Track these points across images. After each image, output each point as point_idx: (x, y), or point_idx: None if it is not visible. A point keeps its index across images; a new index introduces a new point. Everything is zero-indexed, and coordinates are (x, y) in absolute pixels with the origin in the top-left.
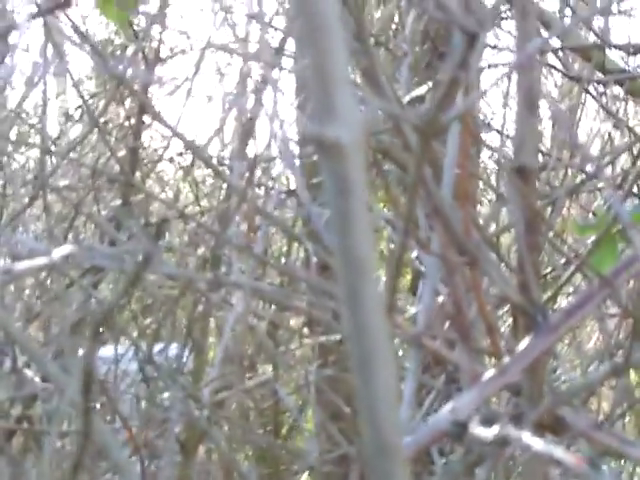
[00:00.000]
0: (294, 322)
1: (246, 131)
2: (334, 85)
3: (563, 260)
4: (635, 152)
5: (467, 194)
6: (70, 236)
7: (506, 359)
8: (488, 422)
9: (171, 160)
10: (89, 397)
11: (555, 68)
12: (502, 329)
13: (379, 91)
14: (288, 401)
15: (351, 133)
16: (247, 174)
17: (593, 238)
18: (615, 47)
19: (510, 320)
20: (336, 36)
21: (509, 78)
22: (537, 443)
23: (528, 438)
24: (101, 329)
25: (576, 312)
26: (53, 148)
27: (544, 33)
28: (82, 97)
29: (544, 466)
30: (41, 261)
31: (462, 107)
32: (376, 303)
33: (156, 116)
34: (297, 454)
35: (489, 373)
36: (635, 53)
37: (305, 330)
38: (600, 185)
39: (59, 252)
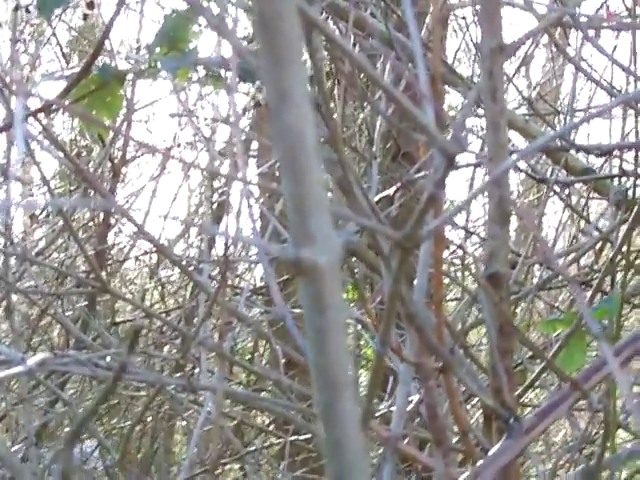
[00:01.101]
0: (261, 420)
1: (214, 221)
2: (310, 209)
3: (529, 355)
4: (598, 249)
5: (441, 300)
6: (35, 338)
7: (480, 462)
8: None
9: (137, 259)
10: None
11: (521, 170)
12: (474, 426)
13: (353, 200)
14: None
15: (327, 256)
16: (220, 275)
17: (560, 333)
18: (580, 149)
19: (481, 417)
20: (313, 163)
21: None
22: None
23: None
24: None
25: (548, 415)
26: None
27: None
28: (51, 194)
29: None
30: (17, 369)
31: (439, 223)
32: (352, 419)
33: (123, 214)
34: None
35: (463, 476)
36: (602, 155)
37: (273, 429)
38: (565, 282)
39: (34, 360)
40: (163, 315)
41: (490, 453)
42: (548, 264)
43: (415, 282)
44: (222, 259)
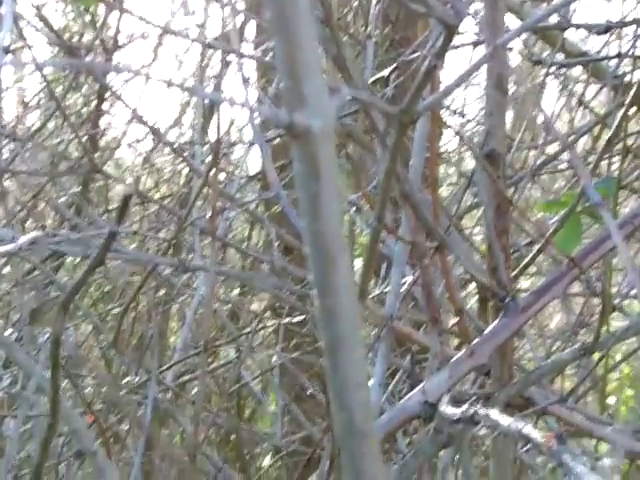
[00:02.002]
0: (256, 306)
1: (207, 116)
2: (304, 73)
3: (526, 241)
4: (596, 133)
5: (436, 180)
6: (29, 222)
7: (475, 341)
8: (458, 403)
9: (130, 146)
10: (58, 378)
11: (518, 51)
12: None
13: (348, 77)
14: (252, 384)
15: (322, 120)
16: (212, 157)
17: (557, 218)
18: (580, 27)
19: (476, 302)
20: (306, 24)
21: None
22: (505, 420)
23: (496, 415)
24: (67, 310)
25: (545, 293)
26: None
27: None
28: (46, 80)
29: (512, 445)
30: (8, 247)
31: (436, 97)
32: (346, 287)
33: (117, 98)
34: (262, 436)
35: (459, 355)
36: (601, 33)
37: (268, 314)
38: (561, 166)
39: (25, 238)
40: (158, 200)
41: (486, 332)
42: (545, 146)
43: (410, 163)
44: (215, 140)
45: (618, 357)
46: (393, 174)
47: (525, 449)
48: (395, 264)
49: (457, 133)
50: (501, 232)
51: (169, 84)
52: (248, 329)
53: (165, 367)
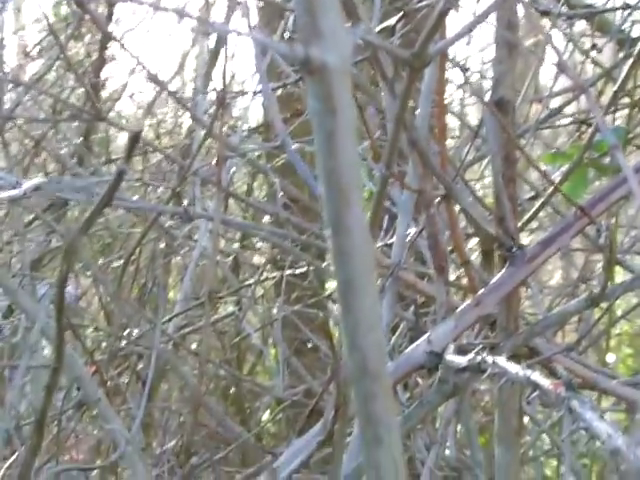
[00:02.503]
0: (258, 260)
1: (210, 64)
2: (321, 8)
3: (529, 195)
4: (600, 89)
5: (444, 129)
6: (31, 171)
7: (481, 291)
8: (463, 353)
9: (131, 97)
10: (62, 321)
11: (523, 2)
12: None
13: (357, 22)
14: (253, 336)
15: (338, 54)
16: (216, 105)
17: (561, 171)
18: None
19: (479, 256)
20: None
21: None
22: (513, 368)
23: (504, 363)
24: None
25: (552, 243)
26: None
27: None
28: (50, 27)
29: (517, 396)
30: (12, 192)
31: (448, 41)
32: (360, 226)
33: (120, 46)
34: (263, 388)
35: (465, 304)
36: None
37: (269, 267)
38: (565, 122)
39: (30, 184)
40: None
41: (492, 281)
42: (562, 71)
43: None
44: (220, 89)
45: (619, 315)
46: (402, 120)
47: (528, 401)
48: (401, 213)
49: (465, 81)
50: (509, 181)
51: (180, 14)
52: (250, 281)
53: (166, 318)
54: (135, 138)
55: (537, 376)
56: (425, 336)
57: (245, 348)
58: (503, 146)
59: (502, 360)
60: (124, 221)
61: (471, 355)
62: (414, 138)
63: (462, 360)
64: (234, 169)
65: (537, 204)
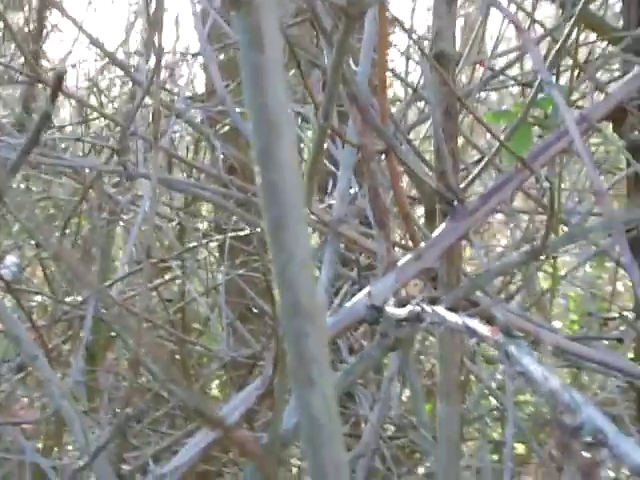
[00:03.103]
0: (202, 226)
1: (151, 31)
2: None
3: (475, 159)
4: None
5: (384, 83)
6: None
7: (422, 245)
8: (403, 306)
9: (74, 66)
10: None
11: None
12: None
13: None
14: (199, 301)
15: None
16: (154, 64)
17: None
18: None
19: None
20: None
21: None
22: (452, 316)
23: (443, 312)
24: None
25: (493, 196)
26: None
27: None
28: None
29: (459, 349)
30: None
31: None
32: (291, 161)
33: (63, 12)
34: (207, 349)
35: (406, 259)
36: None
37: (213, 231)
38: (510, 82)
39: None
40: (101, 119)
41: (433, 235)
42: (492, 59)
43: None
44: (157, 47)
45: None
46: (340, 70)
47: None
48: (342, 168)
49: (405, 31)
50: (450, 135)
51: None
52: (193, 244)
53: (109, 283)
54: (59, 79)
55: (475, 323)
56: (365, 290)
57: (192, 316)
58: (443, 100)
59: (441, 309)
60: (68, 192)
61: (411, 306)
62: (354, 93)
63: (402, 312)
64: (178, 133)
65: (482, 163)
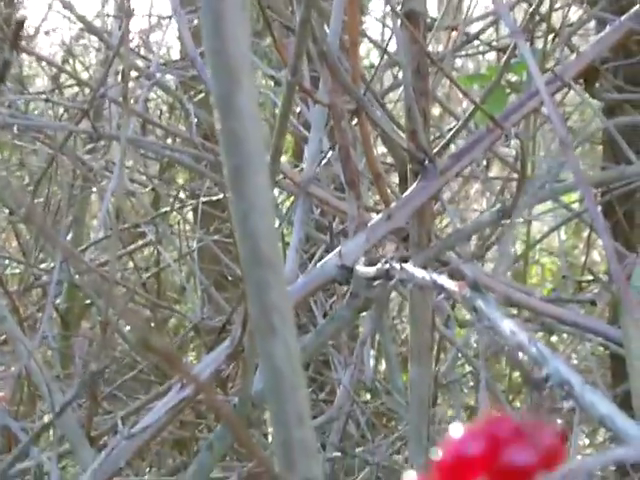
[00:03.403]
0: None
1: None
2: None
3: (450, 126)
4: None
5: (356, 41)
6: None
7: (393, 204)
8: (374, 265)
9: (47, 34)
10: None
11: None
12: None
13: None
14: (172, 266)
15: None
16: (123, 24)
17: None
18: None
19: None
20: None
21: None
22: (420, 273)
23: (411, 268)
24: None
25: (464, 156)
26: None
27: None
28: None
29: (430, 310)
30: None
31: None
32: (251, 108)
33: None
34: (180, 314)
35: (376, 218)
36: None
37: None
38: (485, 48)
39: None
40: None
41: (404, 195)
42: (466, 26)
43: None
44: (126, 7)
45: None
46: (308, 24)
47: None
48: (313, 129)
49: None
50: (420, 94)
51: None
52: (166, 209)
53: (82, 248)
54: (20, 25)
55: (443, 279)
56: (336, 250)
57: (168, 285)
58: (414, 58)
59: (409, 266)
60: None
61: (380, 264)
62: (324, 51)
63: (371, 270)
64: (153, 102)
65: (456, 126)
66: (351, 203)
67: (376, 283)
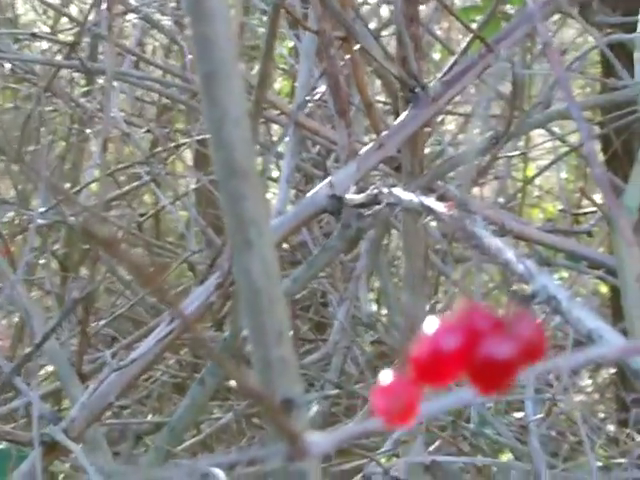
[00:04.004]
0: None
1: None
2: None
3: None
4: None
5: None
6: None
7: (384, 133)
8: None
9: None
10: None
11: None
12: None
13: None
14: (171, 211)
15: None
16: None
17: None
18: None
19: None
20: None
21: None
22: (407, 195)
23: (398, 192)
24: None
25: (456, 82)
26: None
27: None
28: None
29: (423, 239)
30: None
31: None
32: (223, 12)
33: None
34: (174, 252)
35: (367, 147)
36: None
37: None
38: None
39: None
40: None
41: (395, 123)
42: None
43: None
44: None
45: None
46: None
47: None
48: (303, 56)
49: None
50: (410, 19)
51: None
52: (160, 148)
53: (75, 189)
54: None
55: (431, 201)
56: (327, 180)
57: (166, 232)
58: None
59: (397, 190)
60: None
61: (369, 190)
62: None
63: (360, 197)
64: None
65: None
66: (341, 132)
67: (367, 213)
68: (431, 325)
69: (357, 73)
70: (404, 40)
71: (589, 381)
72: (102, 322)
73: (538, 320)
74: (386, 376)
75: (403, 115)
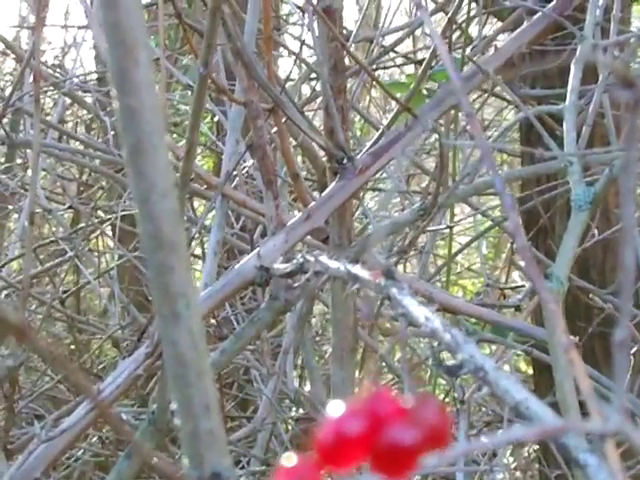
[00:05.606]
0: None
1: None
2: None
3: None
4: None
5: (270, 36)
6: None
7: (312, 204)
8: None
9: None
10: None
11: None
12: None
13: None
14: (93, 283)
15: None
16: (34, 37)
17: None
18: None
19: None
20: None
21: None
22: (333, 264)
23: (324, 260)
24: None
25: (383, 154)
26: None
27: None
28: None
29: (352, 313)
30: None
31: None
32: (148, 84)
33: None
34: (98, 327)
35: (295, 219)
36: None
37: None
38: (400, 60)
39: None
40: None
41: (323, 194)
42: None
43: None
44: (36, 17)
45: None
46: (218, 13)
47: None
48: (229, 129)
49: None
50: (338, 91)
51: None
52: (83, 224)
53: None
54: None
55: (357, 269)
56: (255, 251)
57: (88, 309)
58: (331, 55)
59: (324, 258)
60: None
61: (295, 260)
62: (239, 49)
63: (286, 266)
64: (71, 122)
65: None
66: (269, 203)
67: (295, 285)
68: (336, 409)
69: (284, 144)
70: (331, 111)
71: (511, 458)
72: (25, 400)
73: (442, 406)
74: (289, 458)
75: (331, 186)
